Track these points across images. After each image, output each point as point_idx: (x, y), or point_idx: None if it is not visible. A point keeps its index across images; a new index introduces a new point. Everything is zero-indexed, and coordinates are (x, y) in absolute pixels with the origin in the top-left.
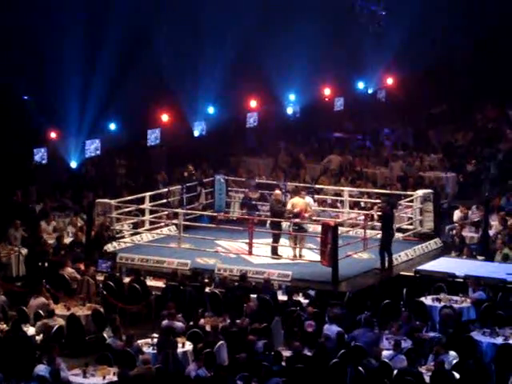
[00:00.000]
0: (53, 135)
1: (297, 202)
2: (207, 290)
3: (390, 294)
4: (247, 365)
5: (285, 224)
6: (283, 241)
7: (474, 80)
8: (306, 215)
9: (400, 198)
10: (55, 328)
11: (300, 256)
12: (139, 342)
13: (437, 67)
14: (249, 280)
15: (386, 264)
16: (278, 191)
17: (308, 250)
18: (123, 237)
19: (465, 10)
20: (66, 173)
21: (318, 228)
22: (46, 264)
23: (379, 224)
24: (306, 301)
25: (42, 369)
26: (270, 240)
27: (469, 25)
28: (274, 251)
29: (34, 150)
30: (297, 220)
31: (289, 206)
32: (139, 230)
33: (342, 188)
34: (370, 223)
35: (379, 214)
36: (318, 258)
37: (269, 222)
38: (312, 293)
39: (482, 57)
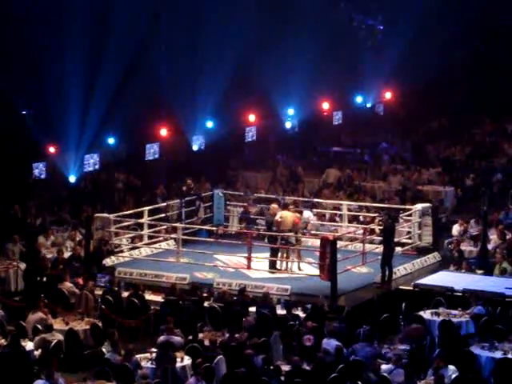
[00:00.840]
0: (51, 150)
1: (284, 217)
2: (206, 304)
3: (388, 308)
4: (246, 379)
5: None
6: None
7: (473, 94)
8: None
9: (399, 212)
10: (54, 343)
11: (299, 270)
12: (138, 356)
13: (435, 81)
14: (247, 294)
15: (386, 278)
16: (274, 205)
17: (307, 264)
18: (122, 251)
19: (464, 24)
20: (65, 187)
21: (317, 242)
22: (45, 278)
23: (379, 238)
24: (305, 315)
25: None
26: (269, 254)
27: (468, 39)
28: (273, 265)
29: (32, 164)
30: (288, 234)
31: (277, 217)
32: (138, 245)
33: (340, 202)
34: (368, 237)
35: (380, 227)
36: (316, 272)
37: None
38: (309, 307)
39: (480, 71)
